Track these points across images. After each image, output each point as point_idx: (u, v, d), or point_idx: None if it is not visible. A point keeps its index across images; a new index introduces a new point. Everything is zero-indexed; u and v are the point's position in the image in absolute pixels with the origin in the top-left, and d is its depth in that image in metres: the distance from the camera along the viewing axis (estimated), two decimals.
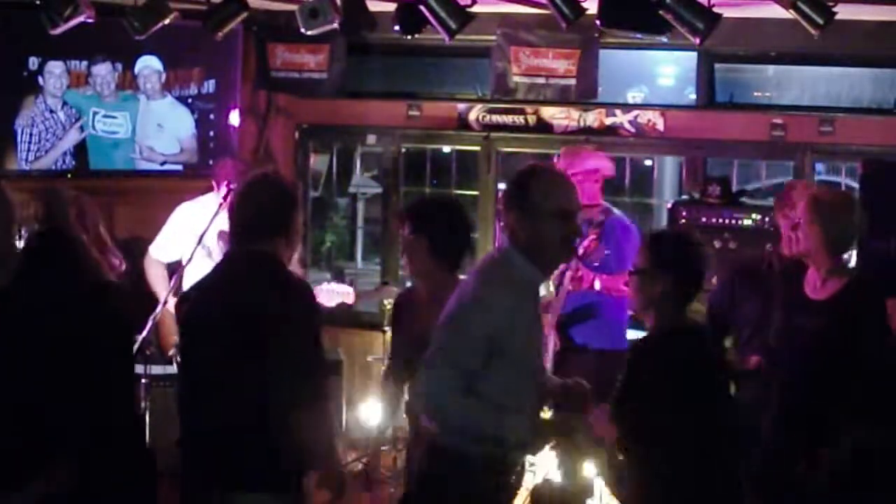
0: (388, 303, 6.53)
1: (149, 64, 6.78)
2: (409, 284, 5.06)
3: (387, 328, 6.47)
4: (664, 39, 5.01)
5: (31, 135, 6.54)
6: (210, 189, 5.65)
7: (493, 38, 6.80)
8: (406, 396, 3.79)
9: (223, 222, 4.73)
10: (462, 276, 3.77)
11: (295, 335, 3.25)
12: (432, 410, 3.18)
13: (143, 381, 4.80)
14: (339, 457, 3.39)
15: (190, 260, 5.04)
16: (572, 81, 6.73)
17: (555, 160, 5.67)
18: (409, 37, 5.31)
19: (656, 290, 3.41)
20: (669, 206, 6.61)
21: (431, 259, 3.80)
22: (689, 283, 3.44)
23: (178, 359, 3.67)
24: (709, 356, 3.48)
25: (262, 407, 3.23)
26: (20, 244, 3.41)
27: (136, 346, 4.39)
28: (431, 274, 3.85)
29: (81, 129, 6.67)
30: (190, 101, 6.92)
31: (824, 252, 3.78)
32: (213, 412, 3.30)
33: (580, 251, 4.85)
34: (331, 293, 5.55)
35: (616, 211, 5.64)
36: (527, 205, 3.18)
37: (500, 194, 3.45)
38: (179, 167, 6.97)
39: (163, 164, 6.93)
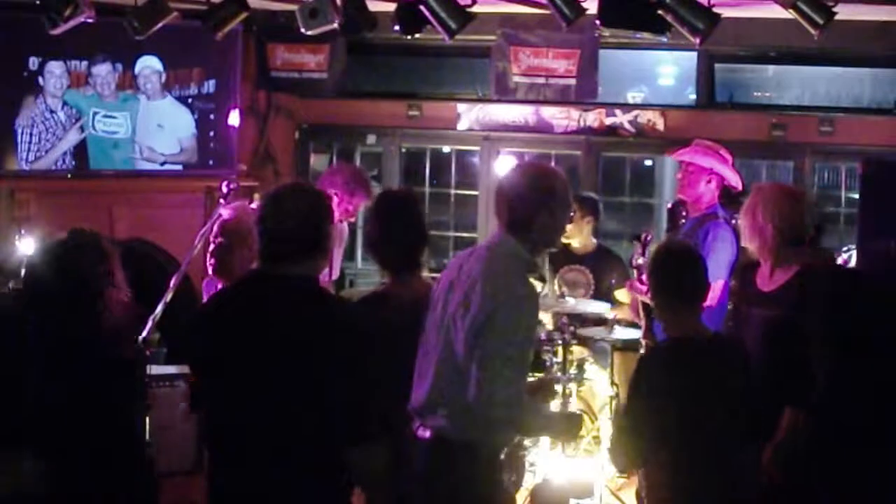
0: None
1: (149, 64, 6.78)
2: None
3: None
4: (664, 39, 5.01)
5: (31, 135, 6.54)
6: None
7: (493, 38, 6.81)
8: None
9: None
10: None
11: (349, 365, 3.02)
12: (508, 419, 3.24)
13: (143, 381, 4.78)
14: (385, 486, 3.24)
15: (189, 262, 5.02)
16: (572, 81, 6.74)
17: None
18: (409, 37, 5.30)
19: (653, 299, 3.56)
20: (669, 206, 6.61)
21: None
22: (672, 295, 3.49)
23: (206, 390, 3.28)
24: (696, 367, 3.43)
25: (314, 437, 3.02)
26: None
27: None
28: None
29: (81, 129, 6.67)
30: (190, 101, 6.92)
31: (771, 243, 3.79)
32: (263, 444, 3.05)
33: (635, 264, 4.93)
34: None
35: (721, 218, 5.18)
36: (554, 202, 3.32)
37: (509, 195, 3.40)
38: (179, 167, 6.97)
39: (163, 164, 6.93)
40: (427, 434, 3.31)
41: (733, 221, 5.46)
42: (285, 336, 3.01)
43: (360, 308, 3.65)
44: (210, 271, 4.58)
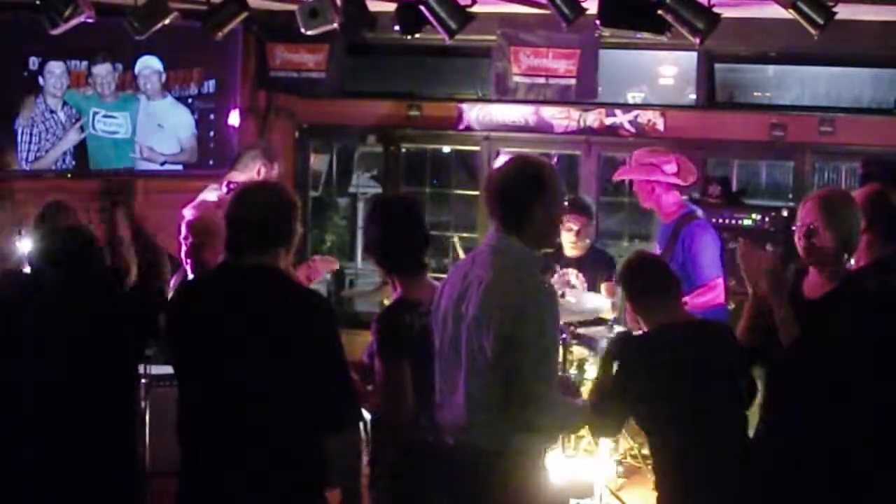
0: (388, 303, 6.52)
1: (149, 64, 6.78)
2: None
3: None
4: (664, 39, 5.01)
5: (31, 135, 6.54)
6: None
7: (493, 38, 6.81)
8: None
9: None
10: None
11: (322, 351, 3.09)
12: (562, 424, 3.39)
13: (143, 381, 4.79)
14: (361, 478, 3.21)
15: None
16: (572, 81, 6.75)
17: (627, 166, 5.55)
18: (409, 37, 5.31)
19: (631, 304, 3.68)
20: None
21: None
22: (649, 293, 3.59)
23: (180, 383, 3.30)
24: (680, 347, 3.48)
25: (289, 424, 3.06)
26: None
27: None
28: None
29: (81, 129, 6.67)
30: (190, 101, 6.92)
31: (838, 255, 3.71)
32: (237, 432, 3.08)
33: None
34: (323, 264, 5.45)
35: (696, 217, 5.29)
36: (547, 197, 3.23)
37: (498, 189, 3.33)
38: (179, 167, 6.97)
39: (163, 164, 6.93)
40: (467, 448, 3.22)
41: (733, 221, 5.50)
42: (253, 324, 3.05)
43: (397, 316, 3.54)
44: (189, 271, 4.62)
